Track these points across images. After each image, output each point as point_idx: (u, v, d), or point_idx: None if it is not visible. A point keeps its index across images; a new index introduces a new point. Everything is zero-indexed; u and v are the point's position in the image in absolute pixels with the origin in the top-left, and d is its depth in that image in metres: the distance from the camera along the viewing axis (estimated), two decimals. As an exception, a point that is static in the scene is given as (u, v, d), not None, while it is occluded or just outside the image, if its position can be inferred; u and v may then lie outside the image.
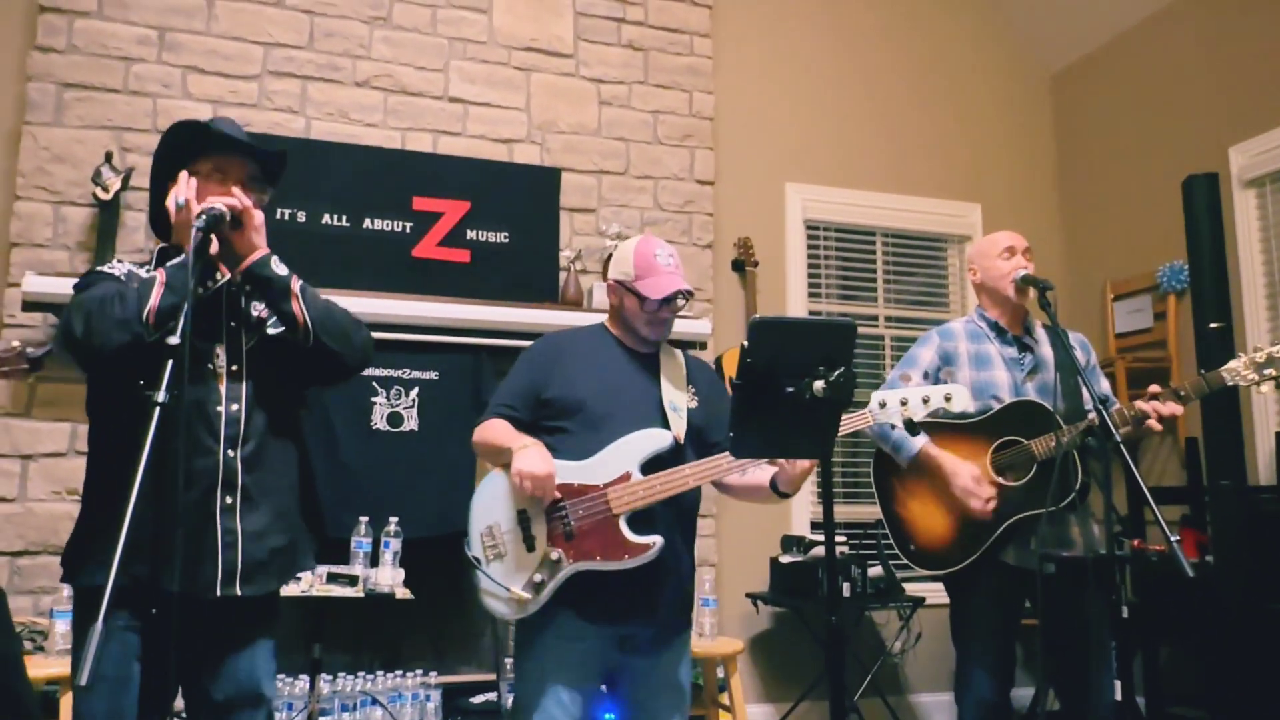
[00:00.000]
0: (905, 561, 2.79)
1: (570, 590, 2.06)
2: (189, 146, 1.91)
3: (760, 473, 2.16)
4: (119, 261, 1.90)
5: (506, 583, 2.07)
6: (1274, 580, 3.36)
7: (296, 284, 1.86)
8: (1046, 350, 2.74)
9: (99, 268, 1.88)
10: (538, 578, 2.07)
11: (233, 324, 1.88)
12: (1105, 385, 2.80)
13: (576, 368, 2.20)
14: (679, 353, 2.33)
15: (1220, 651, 3.34)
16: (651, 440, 2.11)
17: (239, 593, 1.78)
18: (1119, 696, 2.30)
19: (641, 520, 2.07)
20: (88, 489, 1.84)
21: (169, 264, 1.76)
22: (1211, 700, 3.67)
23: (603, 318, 2.37)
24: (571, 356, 2.23)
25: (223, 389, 1.82)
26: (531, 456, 2.04)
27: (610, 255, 2.26)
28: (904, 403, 1.99)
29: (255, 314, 1.92)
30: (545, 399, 2.18)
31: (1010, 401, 2.65)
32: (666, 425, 2.15)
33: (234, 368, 1.85)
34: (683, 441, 2.14)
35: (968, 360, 2.75)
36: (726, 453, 2.10)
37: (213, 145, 1.91)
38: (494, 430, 2.17)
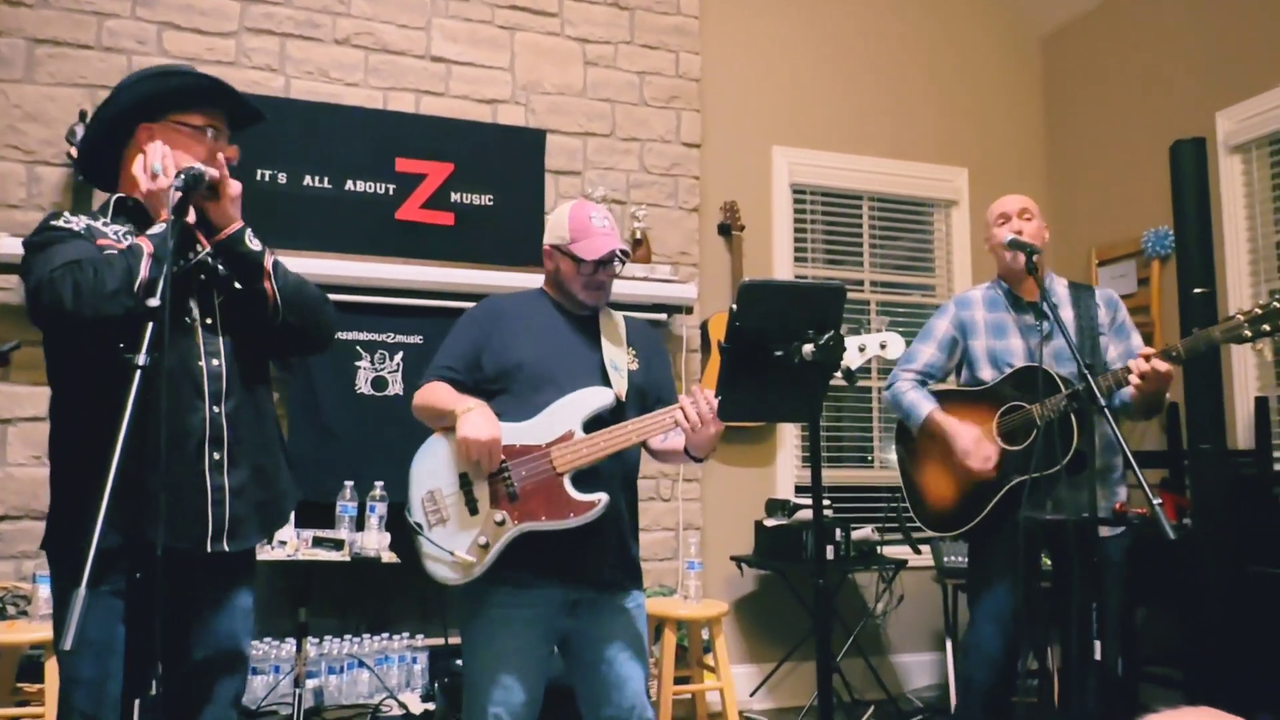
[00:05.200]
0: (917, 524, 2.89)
1: (513, 556, 2.04)
2: (178, 94, 1.83)
3: (678, 437, 2.15)
4: (71, 215, 1.78)
5: (450, 546, 2.04)
6: (1251, 543, 3.41)
7: (269, 260, 1.83)
8: (1066, 312, 2.74)
9: (54, 222, 1.75)
10: (482, 540, 2.04)
11: (203, 277, 1.84)
12: (1136, 341, 2.76)
13: (516, 330, 2.18)
14: (618, 314, 2.31)
15: (1197, 612, 3.40)
16: (594, 398, 2.09)
17: (226, 548, 1.77)
18: (1099, 656, 2.33)
19: (586, 479, 2.06)
20: (62, 454, 1.78)
21: (151, 233, 1.69)
22: (1187, 659, 3.74)
23: None
24: (511, 319, 2.21)
25: (201, 343, 1.79)
26: (476, 420, 2.01)
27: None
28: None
29: (225, 270, 1.88)
30: (485, 361, 2.16)
31: (1016, 368, 2.67)
32: (608, 384, 2.13)
33: (208, 321, 1.82)
34: (624, 399, 2.13)
35: (984, 328, 2.78)
36: (669, 406, 2.10)
37: (211, 99, 1.84)
38: (435, 393, 2.13)
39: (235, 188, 1.80)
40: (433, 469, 2.11)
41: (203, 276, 1.84)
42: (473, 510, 2.06)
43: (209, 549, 1.75)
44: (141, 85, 1.84)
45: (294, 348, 2.01)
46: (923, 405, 2.75)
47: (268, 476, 1.88)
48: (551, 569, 2.06)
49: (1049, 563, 2.75)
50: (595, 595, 2.13)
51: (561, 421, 2.07)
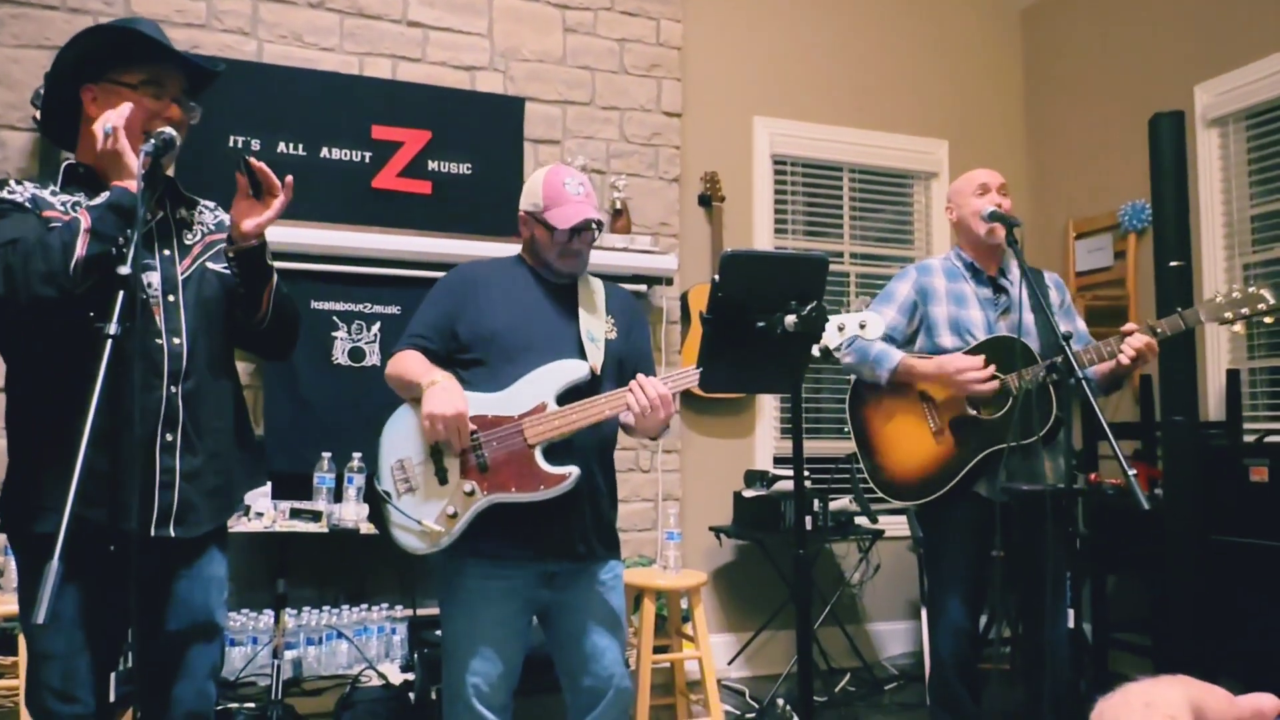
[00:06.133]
0: (879, 494, 2.80)
1: (489, 528, 2.03)
2: (114, 52, 1.74)
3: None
4: (16, 184, 1.69)
5: (418, 515, 2.03)
6: (1221, 513, 3.47)
7: (275, 278, 1.85)
8: (1024, 291, 2.73)
9: None
10: (450, 510, 2.02)
11: (165, 252, 1.78)
12: (1081, 324, 2.80)
13: (491, 298, 2.15)
14: (597, 281, 2.28)
15: (1166, 581, 3.46)
16: (567, 371, 2.08)
17: (172, 534, 1.72)
18: (1071, 624, 2.37)
19: (559, 451, 2.05)
20: (20, 429, 1.73)
21: (92, 205, 1.61)
22: (1155, 627, 3.82)
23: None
24: (486, 287, 2.17)
25: (160, 320, 1.73)
26: (439, 396, 1.98)
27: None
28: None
29: (189, 242, 1.84)
30: (459, 330, 2.14)
31: (987, 337, 2.66)
32: (584, 356, 2.12)
33: (170, 298, 1.76)
34: (599, 373, 2.12)
35: (945, 296, 2.76)
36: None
37: (145, 53, 1.75)
38: (406, 362, 2.10)
39: (280, 203, 1.78)
40: (403, 437, 2.08)
41: (165, 251, 1.78)
42: (442, 480, 2.05)
43: (153, 533, 1.69)
44: (75, 45, 1.75)
45: (258, 348, 2.04)
46: (893, 351, 2.70)
47: (225, 463, 1.84)
48: (527, 541, 2.06)
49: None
50: (572, 566, 2.12)
51: (534, 393, 2.06)
